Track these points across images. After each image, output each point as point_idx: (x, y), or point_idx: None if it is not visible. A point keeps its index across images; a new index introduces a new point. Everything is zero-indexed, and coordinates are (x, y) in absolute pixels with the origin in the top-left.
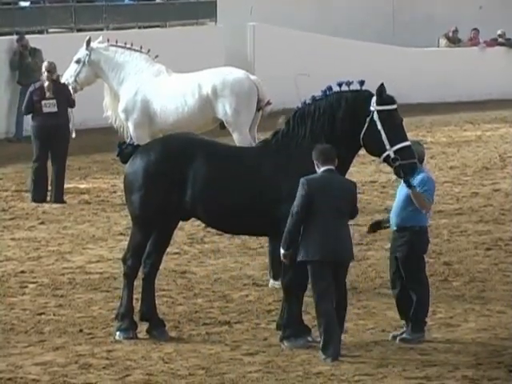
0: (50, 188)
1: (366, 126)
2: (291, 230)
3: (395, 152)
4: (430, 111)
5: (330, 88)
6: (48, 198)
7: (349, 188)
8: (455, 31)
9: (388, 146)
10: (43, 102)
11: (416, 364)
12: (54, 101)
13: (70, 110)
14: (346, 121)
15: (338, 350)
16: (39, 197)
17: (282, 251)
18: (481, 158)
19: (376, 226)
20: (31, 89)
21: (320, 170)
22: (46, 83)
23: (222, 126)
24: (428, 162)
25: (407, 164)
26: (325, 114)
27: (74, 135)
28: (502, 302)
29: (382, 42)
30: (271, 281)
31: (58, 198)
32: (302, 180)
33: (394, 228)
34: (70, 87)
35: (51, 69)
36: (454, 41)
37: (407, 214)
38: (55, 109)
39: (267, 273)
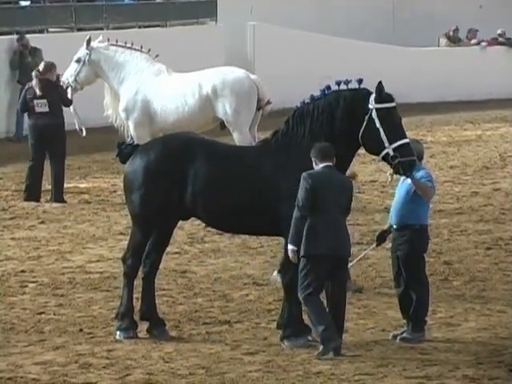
0: (49, 188)
1: (364, 124)
2: (298, 224)
3: (394, 150)
4: (430, 111)
5: (328, 87)
6: (48, 198)
7: (347, 185)
8: (455, 30)
9: (387, 144)
10: (35, 102)
11: (416, 363)
12: (45, 100)
13: (73, 109)
14: (345, 119)
15: (339, 346)
16: (31, 196)
17: (290, 247)
18: (481, 158)
19: (385, 235)
20: (26, 87)
21: (319, 166)
22: (34, 82)
23: (222, 125)
24: (428, 162)
25: (406, 161)
26: (324, 113)
27: (84, 133)
28: (502, 301)
29: (381, 41)
30: (274, 273)
31: (58, 198)
32: (303, 174)
33: (394, 226)
34: (70, 87)
35: (43, 68)
36: (454, 40)
37: (407, 211)
38: (46, 109)
39: (273, 270)
